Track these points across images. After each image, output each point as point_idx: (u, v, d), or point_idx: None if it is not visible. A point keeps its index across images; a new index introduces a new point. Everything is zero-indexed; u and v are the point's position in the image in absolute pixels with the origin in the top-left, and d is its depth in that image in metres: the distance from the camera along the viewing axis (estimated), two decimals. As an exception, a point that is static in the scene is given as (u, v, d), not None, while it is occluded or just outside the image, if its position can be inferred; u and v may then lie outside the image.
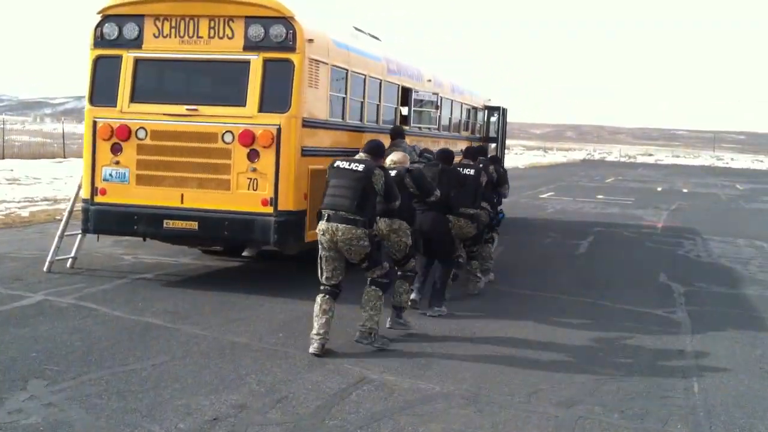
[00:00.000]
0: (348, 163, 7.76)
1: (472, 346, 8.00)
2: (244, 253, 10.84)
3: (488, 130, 20.51)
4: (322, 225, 7.65)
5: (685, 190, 38.73)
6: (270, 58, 9.66)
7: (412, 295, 9.16)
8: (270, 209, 9.63)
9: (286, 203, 9.63)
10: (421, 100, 14.30)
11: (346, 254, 7.70)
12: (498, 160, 13.29)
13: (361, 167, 7.69)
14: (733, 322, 9.66)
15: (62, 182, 23.78)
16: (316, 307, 7.65)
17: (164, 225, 9.91)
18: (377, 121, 12.39)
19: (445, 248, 9.67)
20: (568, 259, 14.28)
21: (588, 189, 36.00)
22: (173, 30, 9.91)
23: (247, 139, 9.62)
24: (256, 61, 9.68)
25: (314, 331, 7.55)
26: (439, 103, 14.67)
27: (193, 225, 9.83)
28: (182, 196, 9.87)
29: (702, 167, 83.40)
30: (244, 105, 9.69)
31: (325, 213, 7.67)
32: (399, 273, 8.53)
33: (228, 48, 9.78)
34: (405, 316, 8.66)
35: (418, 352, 7.71)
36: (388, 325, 8.53)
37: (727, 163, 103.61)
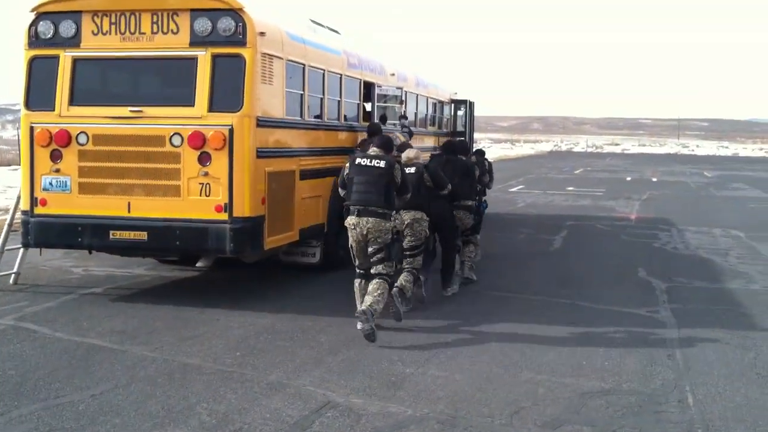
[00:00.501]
0: (369, 160, 8.29)
1: (447, 359, 7.37)
2: (198, 264, 10.10)
3: (455, 123, 19.92)
4: (353, 219, 8.18)
5: (654, 179, 38.49)
6: (219, 53, 8.97)
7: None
8: (224, 216, 8.95)
9: (242, 209, 8.95)
10: (385, 95, 13.67)
11: (370, 243, 8.20)
12: (483, 153, 13.28)
13: (382, 163, 8.24)
14: (720, 320, 9.12)
15: (15, 191, 22.77)
16: (357, 291, 8.41)
17: (110, 236, 9.20)
18: (338, 118, 11.74)
19: (452, 234, 10.27)
20: (543, 256, 13.73)
21: (557, 181, 35.60)
22: (113, 26, 9.19)
23: (197, 141, 8.92)
24: (203, 57, 8.98)
25: (360, 310, 7.96)
26: (403, 98, 14.05)
27: (142, 235, 9.13)
28: (129, 204, 9.16)
29: (668, 155, 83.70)
30: (193, 105, 8.99)
31: (354, 208, 8.18)
32: (407, 267, 9.09)
33: (173, 44, 9.07)
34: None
35: (388, 369, 7.06)
36: (392, 310, 8.60)
37: (693, 150, 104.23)
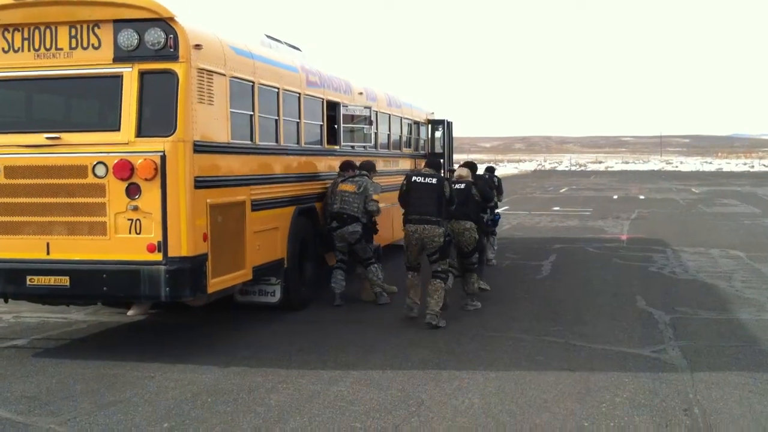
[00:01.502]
0: (423, 178, 9.87)
1: (420, 426, 6.11)
2: (130, 312, 8.65)
3: (433, 145, 18.73)
4: (411, 227, 9.72)
5: (641, 197, 37.44)
6: (147, 69, 7.74)
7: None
8: (158, 256, 7.67)
9: (179, 248, 7.67)
10: (352, 116, 12.45)
11: (426, 247, 9.71)
12: (493, 170, 14.88)
13: (434, 180, 9.83)
14: (738, 360, 7.89)
15: None
16: (408, 282, 9.94)
17: (27, 282, 7.90)
18: (298, 141, 10.51)
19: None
20: (530, 286, 12.47)
21: (543, 201, 34.51)
22: (26, 42, 7.95)
23: (124, 170, 7.67)
24: (129, 74, 7.75)
25: (410, 301, 9.88)
26: (372, 118, 12.83)
27: (64, 280, 7.84)
28: (48, 245, 7.88)
29: (652, 172, 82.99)
30: (118, 129, 7.74)
31: (412, 217, 9.73)
32: (466, 265, 10.51)
33: (95, 60, 7.84)
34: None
35: (347, 441, 5.79)
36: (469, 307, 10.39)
37: (677, 166, 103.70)
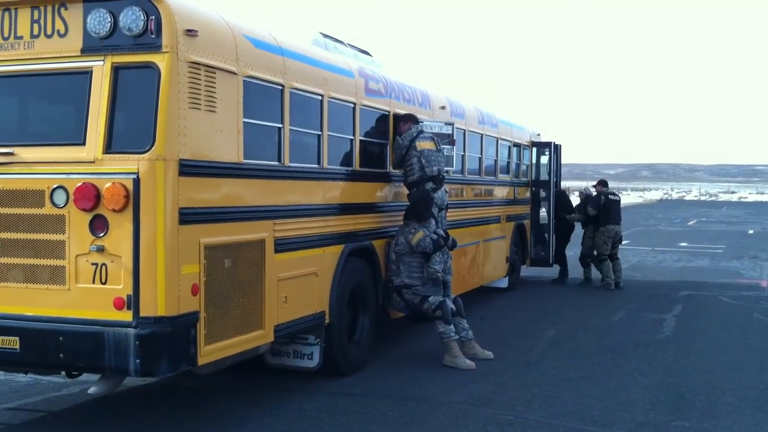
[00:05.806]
0: (615, 196, 15.63)
1: None
2: (92, 390, 6.48)
3: (539, 171, 16.32)
4: (611, 227, 15.29)
5: (781, 233, 33.59)
6: (122, 63, 5.81)
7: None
8: (127, 315, 5.69)
9: (154, 305, 5.66)
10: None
11: (615, 239, 15.44)
12: (606, 183, 16.50)
13: (619, 197, 15.88)
14: None
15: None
16: (605, 268, 15.27)
17: (-33, 343, 6.06)
18: (351, 164, 8.43)
19: None
20: (648, 351, 9.85)
21: (668, 235, 31.22)
22: (-20, 30, 6.18)
23: (88, 198, 5.74)
24: (100, 69, 5.84)
25: (609, 279, 15.18)
26: (455, 137, 10.62)
27: (12, 342, 5.95)
28: (-4, 294, 6.04)
29: (792, 204, 76.92)
30: (83, 143, 5.84)
31: (613, 220, 15.31)
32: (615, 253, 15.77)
33: (59, 51, 5.97)
34: None
35: None
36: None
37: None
